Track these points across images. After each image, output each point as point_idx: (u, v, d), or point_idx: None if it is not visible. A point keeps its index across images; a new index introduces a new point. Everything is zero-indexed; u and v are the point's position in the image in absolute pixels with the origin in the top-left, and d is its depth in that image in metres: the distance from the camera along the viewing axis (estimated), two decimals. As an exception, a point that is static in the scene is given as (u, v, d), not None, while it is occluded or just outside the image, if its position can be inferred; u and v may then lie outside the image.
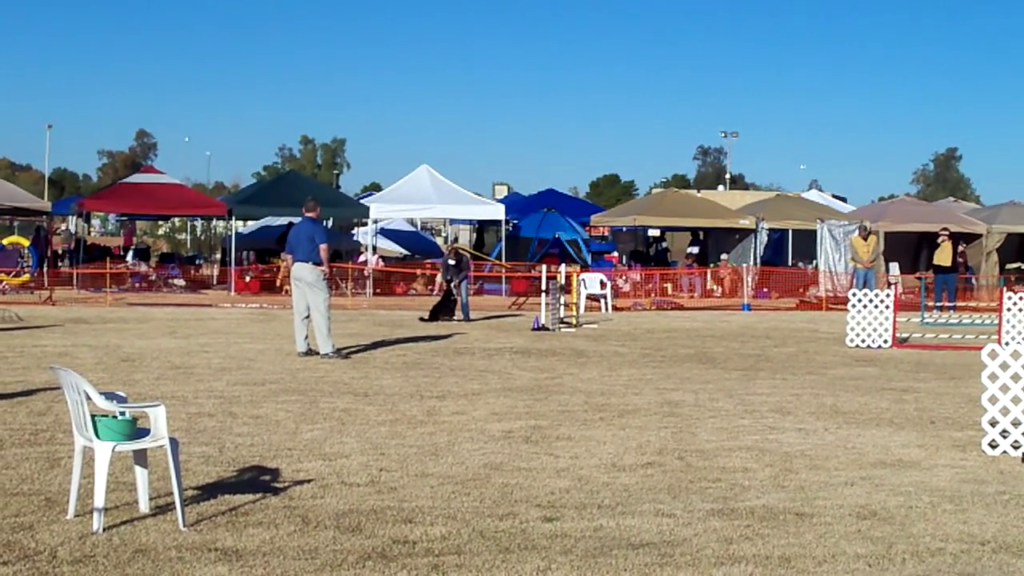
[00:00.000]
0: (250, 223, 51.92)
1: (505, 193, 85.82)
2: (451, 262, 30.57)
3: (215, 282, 43.56)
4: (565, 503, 9.69)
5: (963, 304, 37.52)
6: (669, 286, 42.94)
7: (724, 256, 45.15)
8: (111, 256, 44.39)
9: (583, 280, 33.78)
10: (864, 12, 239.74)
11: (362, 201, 46.93)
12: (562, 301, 28.71)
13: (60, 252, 46.75)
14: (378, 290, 40.51)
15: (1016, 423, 12.21)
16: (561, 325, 27.93)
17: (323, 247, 20.74)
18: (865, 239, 35.81)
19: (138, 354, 20.42)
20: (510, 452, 11.95)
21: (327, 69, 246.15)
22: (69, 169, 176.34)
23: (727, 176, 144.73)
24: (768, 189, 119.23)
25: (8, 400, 14.58)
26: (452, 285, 30.02)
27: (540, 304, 28.73)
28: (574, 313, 29.43)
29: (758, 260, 43.75)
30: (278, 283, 39.25)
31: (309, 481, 10.31)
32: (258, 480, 10.40)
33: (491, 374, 18.65)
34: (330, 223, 44.36)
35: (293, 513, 9.12)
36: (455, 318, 29.46)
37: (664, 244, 52.69)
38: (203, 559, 7.86)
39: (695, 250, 49.36)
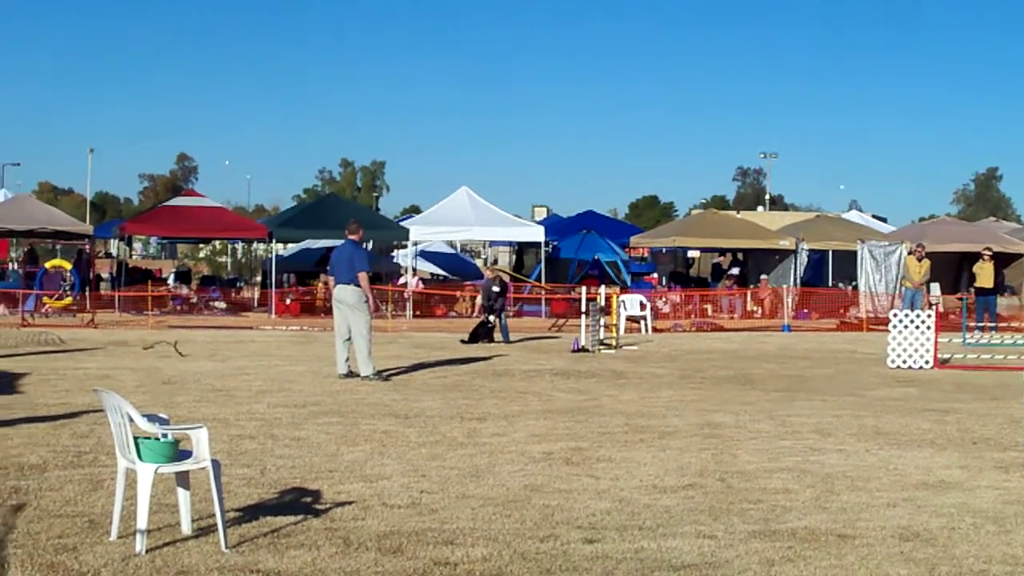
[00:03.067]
0: (290, 246, 52.07)
1: (544, 215, 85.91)
2: (495, 289, 30.60)
3: (256, 304, 43.67)
4: (606, 525, 9.68)
5: (1004, 325, 37.30)
6: (709, 307, 42.85)
7: (764, 277, 45.04)
8: (152, 279, 44.60)
9: (623, 301, 33.71)
10: (904, 31, 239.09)
11: (402, 223, 47.06)
12: (602, 323, 28.70)
13: (103, 276, 46.98)
14: (418, 312, 40.57)
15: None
16: (601, 347, 27.91)
17: (362, 275, 20.75)
18: (920, 260, 35.73)
19: (179, 376, 20.50)
20: (550, 474, 11.94)
21: (366, 92, 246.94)
22: (111, 193, 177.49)
23: (767, 197, 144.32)
24: (808, 210, 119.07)
25: (51, 422, 14.66)
26: (494, 309, 30.06)
27: (580, 326, 28.72)
28: (614, 335, 29.40)
29: (798, 281, 43.62)
30: (318, 304, 39.33)
31: (350, 503, 10.32)
32: (299, 502, 10.42)
33: (531, 396, 18.65)
34: (370, 245, 44.48)
35: (334, 535, 9.14)
36: (496, 340, 29.49)
37: (734, 270, 50.40)
38: (245, 581, 7.89)
39: (735, 271, 49.21)
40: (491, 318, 30.04)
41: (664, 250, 53.62)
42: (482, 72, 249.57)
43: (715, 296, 44.12)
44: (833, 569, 8.43)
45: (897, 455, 13.43)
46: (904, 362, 24.53)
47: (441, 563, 8.41)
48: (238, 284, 50.94)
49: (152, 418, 8.86)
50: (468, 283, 46.26)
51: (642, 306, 35.75)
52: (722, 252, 51.16)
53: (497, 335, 29.77)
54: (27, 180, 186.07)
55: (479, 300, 35.37)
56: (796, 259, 44.25)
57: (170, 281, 48.21)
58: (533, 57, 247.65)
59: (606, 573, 8.24)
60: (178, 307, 40.89)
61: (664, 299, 43.15)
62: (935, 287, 42.62)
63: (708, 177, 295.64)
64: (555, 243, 50.06)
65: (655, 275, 51.45)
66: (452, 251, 59.07)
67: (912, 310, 27.20)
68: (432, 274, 52.98)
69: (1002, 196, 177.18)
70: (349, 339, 20.73)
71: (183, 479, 8.99)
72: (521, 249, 57.50)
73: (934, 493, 11.26)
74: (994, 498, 11.06)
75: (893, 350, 24.73)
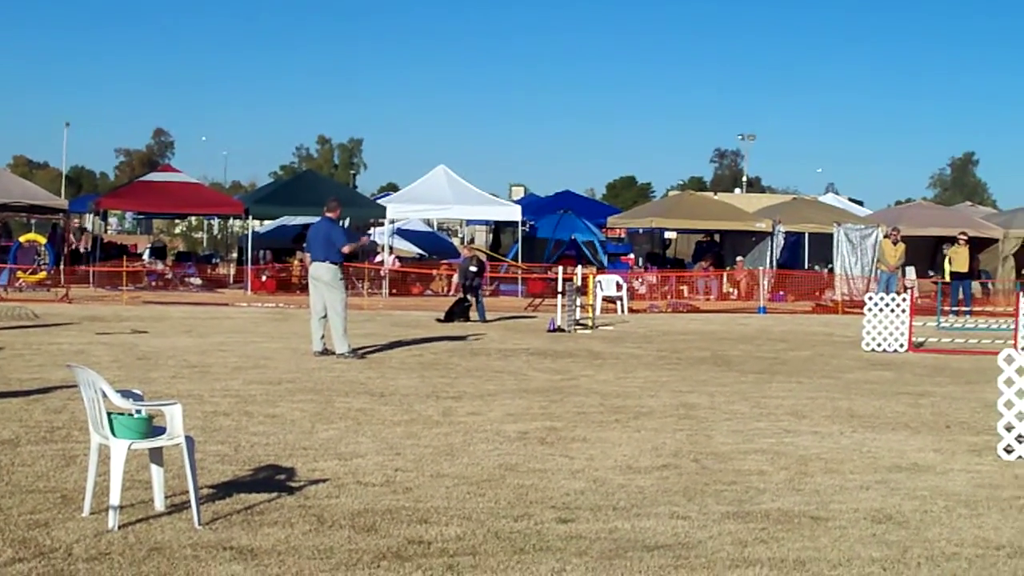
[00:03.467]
0: (267, 222, 51.95)
1: (522, 194, 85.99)
2: (473, 268, 30.62)
3: (231, 281, 43.60)
4: (580, 504, 9.68)
5: (979, 309, 37.43)
6: (685, 288, 42.90)
7: (740, 259, 45.11)
8: (128, 254, 44.47)
9: (599, 282, 33.74)
10: (881, 14, 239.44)
11: (379, 201, 46.98)
12: (578, 303, 28.72)
13: (81, 251, 46.82)
14: (394, 290, 40.55)
15: (1032, 428, 12.18)
16: (577, 327, 27.93)
17: (346, 248, 20.86)
18: (895, 244, 35.87)
19: (154, 352, 20.45)
20: (525, 453, 11.94)
21: (344, 69, 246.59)
22: (86, 167, 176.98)
23: (744, 179, 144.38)
24: (785, 192, 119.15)
25: (24, 397, 14.61)
26: (471, 288, 30.11)
27: (556, 306, 28.73)
28: (590, 315, 29.43)
29: (774, 263, 43.69)
30: (294, 281, 39.27)
31: (324, 480, 10.31)
32: (273, 479, 10.40)
33: (507, 375, 18.65)
34: (347, 223, 44.39)
35: (308, 512, 9.13)
36: (472, 319, 29.48)
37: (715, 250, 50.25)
38: (218, 557, 7.87)
39: (710, 254, 49.22)
40: (468, 297, 30.06)
41: (641, 231, 53.66)
42: (460, 51, 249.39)
43: (691, 277, 44.15)
44: (806, 551, 8.44)
45: (871, 438, 13.46)
46: (879, 345, 24.59)
47: (415, 541, 8.40)
48: (214, 260, 50.87)
49: (126, 394, 8.83)
50: (444, 262, 46.22)
51: (618, 287, 35.75)
52: (703, 233, 51.07)
53: (473, 314, 29.77)
54: (2, 154, 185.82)
55: (455, 279, 35.36)
56: (772, 241, 44.31)
57: (145, 257, 48.07)
58: (511, 36, 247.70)
59: (580, 552, 8.24)
60: (153, 283, 40.81)
61: (640, 280, 43.16)
62: (910, 271, 42.75)
63: (686, 158, 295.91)
64: (532, 222, 50.06)
65: (632, 256, 51.49)
66: (429, 230, 59.02)
67: (887, 293, 27.26)
68: (412, 255, 52.92)
69: (978, 181, 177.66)
70: (325, 317, 20.70)
71: (156, 455, 8.96)
72: (498, 228, 57.52)
73: (907, 476, 11.30)
74: (967, 481, 11.10)
75: (868, 333, 24.79)
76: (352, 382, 17.22)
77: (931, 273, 41.72)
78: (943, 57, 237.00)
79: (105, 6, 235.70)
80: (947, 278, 38.61)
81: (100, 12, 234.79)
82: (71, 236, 46.30)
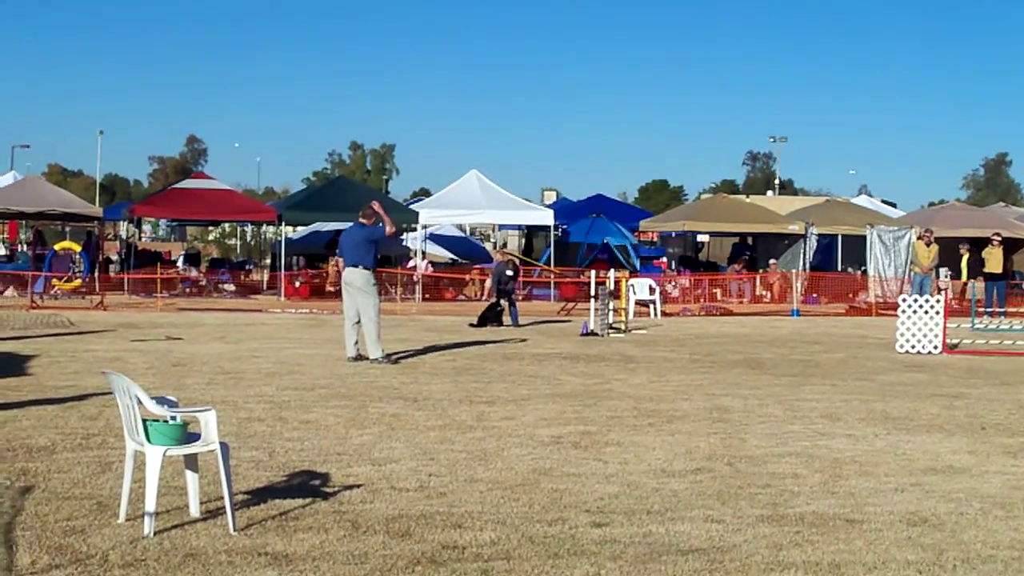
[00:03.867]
0: (300, 228, 52.09)
1: (554, 198, 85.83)
2: (508, 273, 30.65)
3: (265, 287, 43.68)
4: (614, 509, 9.67)
5: (1014, 310, 37.26)
6: (718, 292, 42.83)
7: (773, 262, 44.99)
8: (162, 261, 44.65)
9: (632, 286, 33.69)
10: (914, 15, 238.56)
11: (411, 207, 47.02)
12: (611, 307, 28.69)
13: (112, 258, 47.03)
14: (427, 295, 40.56)
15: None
16: (610, 331, 27.90)
17: (390, 228, 21.48)
18: (928, 245, 35.77)
19: (189, 359, 20.51)
20: (559, 458, 11.94)
21: (376, 74, 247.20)
22: (120, 175, 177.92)
23: (776, 181, 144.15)
24: (817, 194, 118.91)
25: (60, 404, 14.67)
26: (505, 292, 30.14)
27: (589, 310, 28.71)
28: (623, 319, 29.39)
29: (807, 266, 43.58)
30: (327, 287, 39.34)
31: (359, 486, 10.32)
32: (308, 485, 10.42)
33: (540, 379, 18.64)
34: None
35: (343, 518, 9.14)
36: (505, 323, 29.50)
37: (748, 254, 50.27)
38: (253, 563, 7.89)
39: (746, 256, 49.14)
40: (502, 301, 30.07)
41: (673, 234, 53.54)
42: (492, 55, 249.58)
43: (724, 280, 44.08)
44: (841, 554, 8.42)
45: (906, 440, 13.41)
46: (913, 347, 24.50)
47: (449, 546, 8.41)
48: (247, 267, 50.97)
49: (161, 400, 8.87)
50: (477, 267, 46.23)
51: (651, 290, 35.72)
52: (736, 236, 50.94)
53: (507, 318, 29.77)
54: (37, 162, 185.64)
55: (488, 283, 35.34)
56: (805, 244, 44.24)
57: (179, 263, 48.24)
58: (542, 40, 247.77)
59: (614, 557, 8.23)
60: (187, 290, 40.93)
61: (673, 283, 43.13)
62: (943, 272, 42.58)
63: (718, 161, 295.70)
64: (564, 227, 50.03)
65: (664, 259, 51.42)
66: (462, 235, 59.05)
67: (921, 295, 27.15)
68: (444, 260, 52.99)
69: (1011, 181, 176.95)
70: (358, 322, 20.74)
71: (191, 461, 8.99)
72: (530, 233, 57.49)
73: (942, 478, 11.25)
74: (1002, 483, 11.05)
75: (902, 335, 24.70)
76: (386, 387, 17.24)
77: (947, 274, 41.52)
78: (974, 58, 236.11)
79: (137, 14, 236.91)
80: (964, 278, 38.65)
81: (132, 20, 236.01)
82: (104, 243, 46.52)
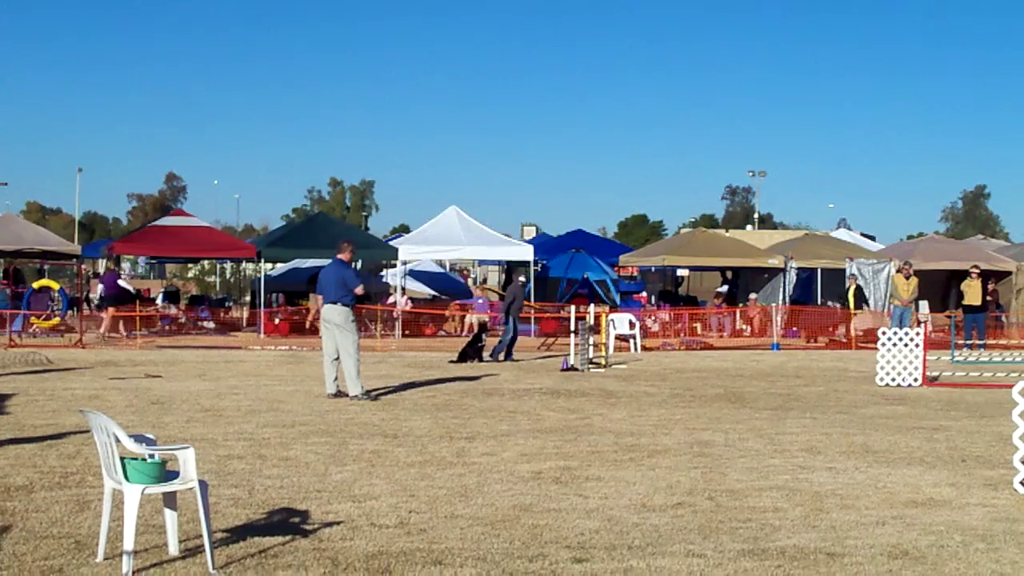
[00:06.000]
0: (279, 265, 51.99)
1: (534, 234, 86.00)
2: (522, 278, 31.06)
3: (244, 324, 43.62)
4: (595, 544, 9.66)
5: (993, 342, 37.35)
6: (698, 326, 42.85)
7: (753, 295, 45.04)
8: (141, 299, 44.54)
9: (612, 320, 33.71)
10: (892, 48, 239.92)
11: (391, 243, 47.02)
12: (591, 342, 28.70)
13: (92, 298, 46.89)
14: (407, 331, 40.52)
15: (1048, 461, 12.13)
16: (590, 366, 27.91)
17: (359, 289, 21.05)
18: (907, 278, 35.86)
19: (168, 397, 20.45)
20: (540, 493, 11.92)
21: (355, 111, 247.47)
22: (99, 212, 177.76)
23: (755, 215, 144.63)
24: (796, 228, 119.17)
25: (38, 443, 14.61)
26: (515, 311, 30.35)
27: (569, 345, 28.71)
28: (603, 354, 29.40)
29: (787, 299, 43.63)
30: (307, 324, 39.30)
31: (338, 523, 10.30)
32: (287, 522, 10.39)
33: (520, 415, 18.63)
34: (359, 265, 44.47)
35: (322, 555, 9.11)
36: (486, 359, 29.51)
37: (723, 288, 50.42)
38: (232, 602, 7.85)
39: (724, 290, 49.22)
40: (509, 319, 30.23)
41: (653, 269, 53.60)
42: (471, 91, 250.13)
43: (704, 314, 44.11)
44: (823, 588, 8.41)
45: (886, 473, 13.43)
46: (893, 380, 24.55)
47: (429, 583, 8.38)
48: (227, 304, 50.86)
49: (139, 438, 8.85)
50: (457, 302, 46.22)
51: (631, 325, 35.72)
52: (717, 270, 51.04)
53: (487, 354, 29.79)
54: (15, 200, 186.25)
55: (468, 319, 35.30)
56: (785, 277, 44.28)
57: (159, 301, 48.13)
58: (522, 76, 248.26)
59: (595, 593, 8.21)
60: (167, 327, 40.82)
61: (653, 318, 43.13)
62: (923, 305, 42.67)
63: (697, 196, 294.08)
64: (544, 262, 50.04)
65: (644, 294, 51.44)
66: (441, 270, 59.05)
67: (900, 328, 27.20)
68: (424, 296, 52.98)
69: (990, 214, 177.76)
70: (337, 359, 20.71)
71: (170, 500, 8.96)
72: (510, 268, 57.50)
73: (923, 511, 11.26)
74: (983, 516, 11.06)
75: (882, 368, 24.75)
76: (365, 424, 17.21)
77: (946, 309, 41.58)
78: (953, 90, 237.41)
79: (115, 51, 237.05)
80: (960, 312, 38.66)
81: (112, 57, 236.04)
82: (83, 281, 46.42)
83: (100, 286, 41.33)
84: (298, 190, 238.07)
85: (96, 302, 42.85)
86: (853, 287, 39.96)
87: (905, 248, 49.55)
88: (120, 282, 39.96)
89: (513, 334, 30.59)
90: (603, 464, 13.81)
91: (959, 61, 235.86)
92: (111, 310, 37.87)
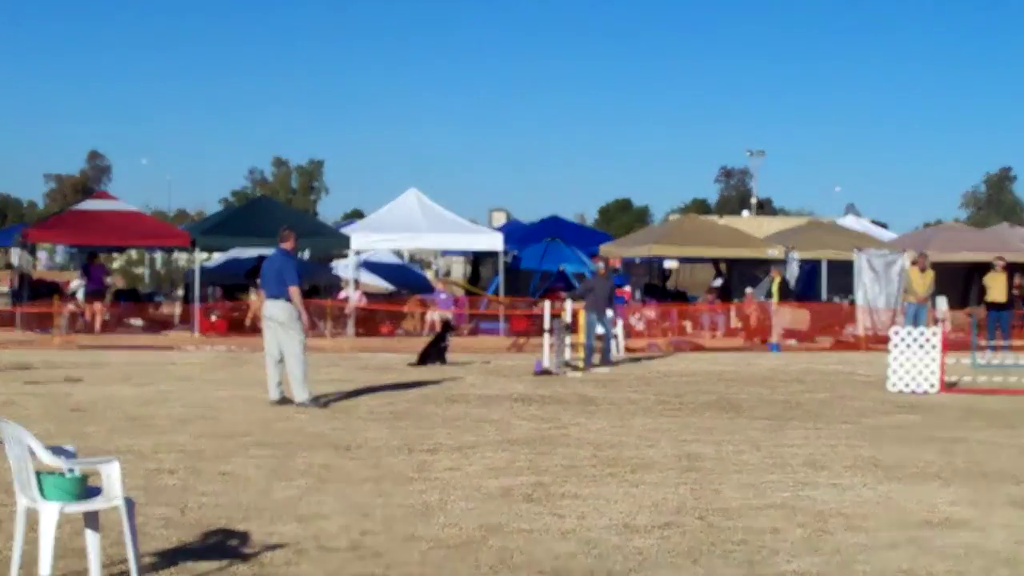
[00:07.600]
0: (216, 255, 51.90)
1: (504, 221, 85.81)
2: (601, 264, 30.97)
3: (177, 322, 43.53)
4: (571, 569, 9.69)
5: (1020, 343, 37.52)
6: (688, 324, 42.94)
7: (750, 290, 45.15)
8: (59, 293, 44.39)
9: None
10: (907, 21, 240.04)
11: (342, 230, 46.97)
12: (568, 342, 28.73)
13: (3, 290, 46.77)
14: (361, 330, 40.46)
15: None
16: (567, 369, 27.95)
17: (293, 290, 20.68)
18: (923, 271, 35.89)
19: (90, 403, 20.42)
20: (509, 512, 11.95)
21: (303, 83, 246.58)
22: (12, 195, 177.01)
23: (753, 200, 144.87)
24: (799, 214, 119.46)
25: (-57, 456, 14.58)
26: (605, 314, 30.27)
27: (543, 345, 28.74)
28: (581, 355, 29.43)
29: (789, 295, 43.76)
30: (248, 321, 39.25)
31: (282, 546, 10.31)
32: (225, 545, 10.40)
33: (488, 424, 18.66)
34: (306, 255, 44.46)
35: (264, 582, 9.12)
36: (448, 362, 29.51)
37: (716, 282, 50.91)
38: (162, 634, 7.86)
39: (717, 284, 49.34)
40: (600, 329, 29.95)
41: (638, 260, 53.67)
42: (433, 60, 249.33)
43: (695, 312, 44.21)
44: (826, 618, 8.46)
45: (898, 490, 13.49)
46: (906, 385, 24.62)
47: (385, 613, 8.40)
48: (157, 299, 50.74)
49: (57, 451, 8.83)
50: (417, 296, 46.20)
51: (613, 323, 35.77)
52: (709, 262, 51.24)
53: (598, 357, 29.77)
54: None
55: (429, 316, 35.21)
56: (786, 270, 44.40)
57: (79, 295, 48.00)
58: (490, 47, 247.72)
59: (571, 624, 8.25)
60: (84, 323, 40.63)
61: (638, 315, 43.20)
62: (941, 301, 42.79)
63: (687, 178, 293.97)
64: (515, 252, 50.07)
65: (627, 288, 51.54)
66: (399, 262, 59.00)
67: (915, 327, 27.30)
68: (381, 290, 52.95)
69: (1016, 199, 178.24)
70: (281, 360, 20.69)
71: (92, 520, 8.94)
72: (477, 259, 57.50)
73: (939, 532, 11.32)
74: (1006, 537, 11.13)
75: (894, 372, 24.82)
76: (314, 434, 17.22)
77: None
78: (973, 65, 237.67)
79: (32, 19, 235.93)
80: (983, 310, 38.76)
81: (26, 25, 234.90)
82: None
83: (83, 280, 41.26)
84: (238, 171, 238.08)
85: (79, 295, 42.71)
86: (778, 280, 39.96)
87: (921, 237, 49.76)
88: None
89: (606, 331, 30.27)
90: (580, 480, 13.84)
91: (978, 36, 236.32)
92: (99, 305, 38.02)
